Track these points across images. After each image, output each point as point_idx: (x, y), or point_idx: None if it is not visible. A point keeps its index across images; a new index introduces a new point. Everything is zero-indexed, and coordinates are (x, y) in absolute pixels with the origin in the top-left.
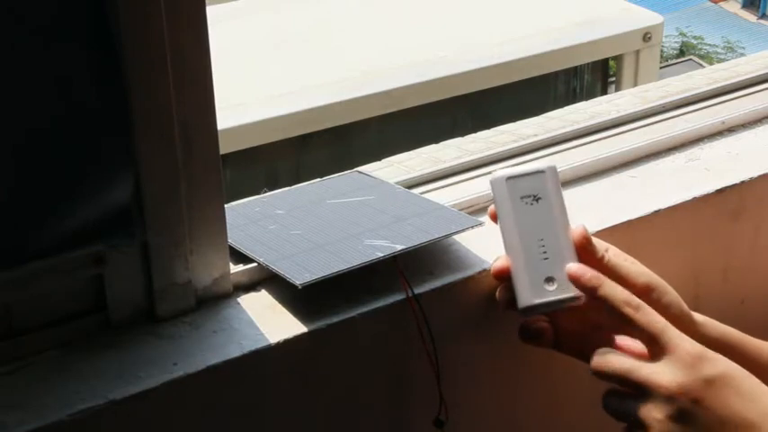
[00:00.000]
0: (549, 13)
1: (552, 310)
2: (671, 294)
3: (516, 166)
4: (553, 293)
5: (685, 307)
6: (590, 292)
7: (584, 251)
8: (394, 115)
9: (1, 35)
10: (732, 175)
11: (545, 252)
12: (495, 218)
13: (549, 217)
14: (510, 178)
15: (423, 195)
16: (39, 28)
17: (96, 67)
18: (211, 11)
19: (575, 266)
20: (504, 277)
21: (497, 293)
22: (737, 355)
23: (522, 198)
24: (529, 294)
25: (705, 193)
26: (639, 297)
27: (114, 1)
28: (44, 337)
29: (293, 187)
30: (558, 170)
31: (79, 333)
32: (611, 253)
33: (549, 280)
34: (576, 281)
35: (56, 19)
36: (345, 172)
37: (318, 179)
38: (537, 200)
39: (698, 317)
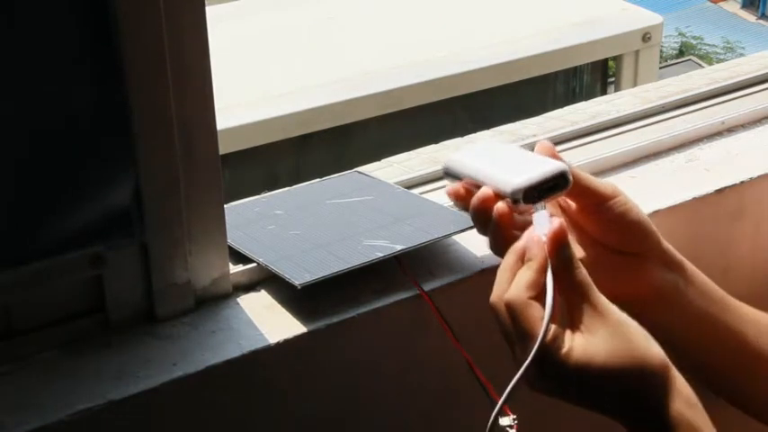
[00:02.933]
0: (549, 14)
1: (543, 193)
2: (634, 203)
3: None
4: (538, 172)
5: (649, 220)
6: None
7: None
8: (394, 115)
9: (1, 36)
10: (731, 176)
11: (512, 161)
12: (455, 194)
13: (504, 151)
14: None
15: (422, 195)
16: (39, 29)
17: (96, 67)
18: (211, 11)
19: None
20: (464, 197)
21: (473, 205)
22: (686, 277)
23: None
24: (513, 178)
25: (705, 193)
26: (605, 202)
27: (114, 1)
28: (43, 337)
29: (292, 188)
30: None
31: (78, 333)
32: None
33: (527, 166)
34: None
35: (56, 20)
36: (345, 172)
37: (318, 179)
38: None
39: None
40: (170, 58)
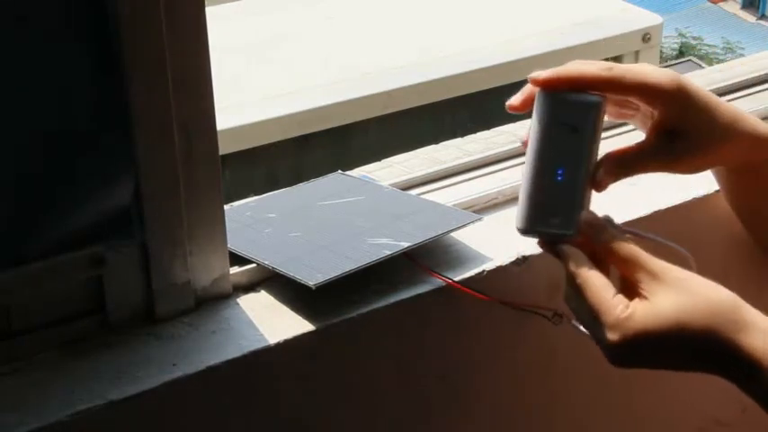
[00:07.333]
0: (549, 14)
1: (546, 238)
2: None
3: (571, 92)
4: (552, 226)
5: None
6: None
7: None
8: (394, 115)
9: (1, 35)
10: None
11: (559, 183)
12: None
13: (576, 152)
14: (556, 99)
15: (420, 195)
16: (39, 28)
17: (96, 67)
18: (211, 11)
19: (592, 218)
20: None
21: None
22: None
23: (559, 123)
24: (528, 219)
25: (705, 193)
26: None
27: (114, 2)
28: (43, 337)
29: (279, 191)
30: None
31: (78, 334)
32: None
33: (554, 213)
34: (586, 229)
35: (55, 19)
36: (327, 174)
37: (302, 183)
38: (573, 130)
39: None
40: (170, 58)
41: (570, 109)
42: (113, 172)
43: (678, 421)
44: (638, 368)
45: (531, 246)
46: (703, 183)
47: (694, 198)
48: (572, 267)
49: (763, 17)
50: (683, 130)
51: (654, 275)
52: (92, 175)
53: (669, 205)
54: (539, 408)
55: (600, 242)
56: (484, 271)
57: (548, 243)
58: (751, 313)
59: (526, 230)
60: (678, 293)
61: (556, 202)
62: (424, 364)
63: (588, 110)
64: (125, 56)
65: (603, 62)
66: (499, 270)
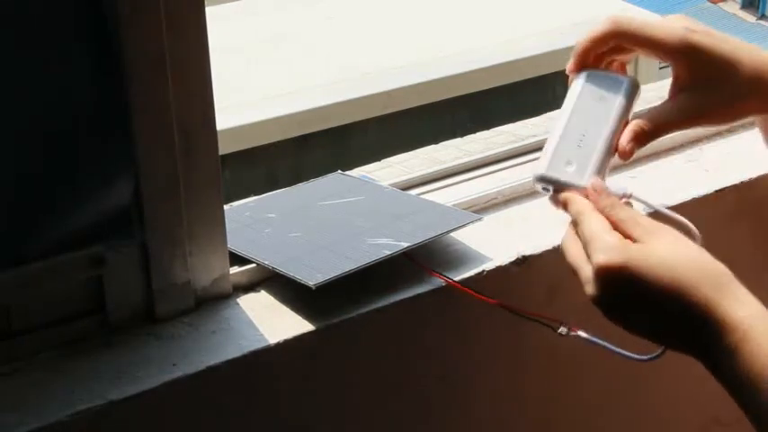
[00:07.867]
0: (549, 14)
1: (560, 187)
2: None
3: (604, 71)
4: (566, 175)
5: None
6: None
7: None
8: (394, 115)
9: (1, 35)
10: (731, 176)
11: (581, 142)
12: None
13: (602, 119)
14: (591, 73)
15: (420, 195)
16: (39, 30)
17: (96, 68)
18: (211, 11)
19: (598, 183)
20: None
21: None
22: None
23: (590, 93)
24: (546, 166)
25: (704, 193)
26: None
27: (113, 2)
28: (43, 337)
29: (279, 191)
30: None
31: (78, 334)
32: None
33: (569, 163)
34: (591, 192)
35: (55, 21)
36: (327, 174)
37: (302, 183)
38: (601, 100)
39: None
40: (170, 58)
41: (600, 83)
42: (113, 172)
43: (678, 421)
44: (614, 317)
45: (531, 246)
46: (703, 183)
47: (693, 198)
48: (576, 209)
49: (763, 17)
50: (696, 88)
51: (651, 232)
52: (92, 175)
53: (669, 205)
54: (539, 408)
55: (601, 205)
56: (484, 271)
57: (555, 194)
58: (738, 285)
59: (542, 176)
60: (673, 246)
61: (574, 156)
62: (424, 364)
63: (617, 86)
64: (125, 56)
65: (615, 18)
66: (499, 270)
